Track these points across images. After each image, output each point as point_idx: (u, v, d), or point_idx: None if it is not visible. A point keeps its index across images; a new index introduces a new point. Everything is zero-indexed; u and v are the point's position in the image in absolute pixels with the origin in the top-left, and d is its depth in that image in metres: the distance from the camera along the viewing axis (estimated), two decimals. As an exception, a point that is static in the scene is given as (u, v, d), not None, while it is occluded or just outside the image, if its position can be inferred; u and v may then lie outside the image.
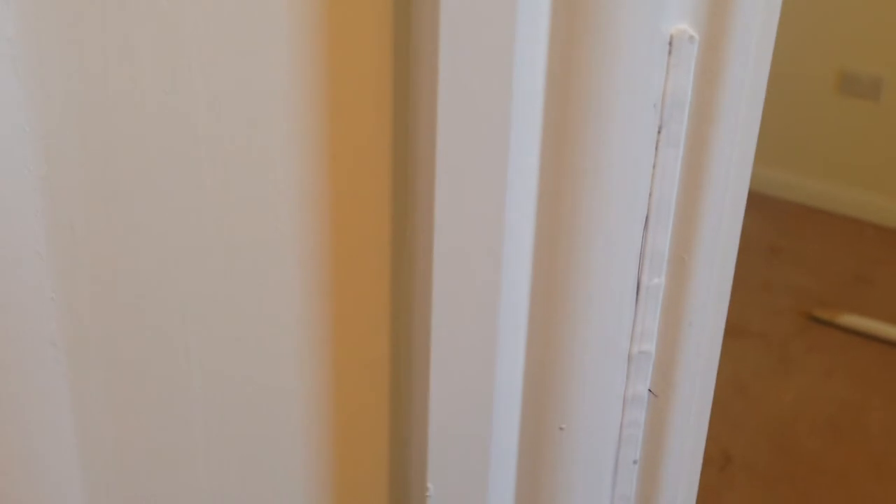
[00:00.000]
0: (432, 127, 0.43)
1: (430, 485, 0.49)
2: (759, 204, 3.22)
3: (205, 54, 0.42)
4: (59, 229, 0.45)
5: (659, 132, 0.46)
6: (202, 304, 0.48)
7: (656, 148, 0.46)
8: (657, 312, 0.50)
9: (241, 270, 0.47)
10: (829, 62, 3.08)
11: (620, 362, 0.50)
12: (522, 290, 0.48)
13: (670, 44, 0.44)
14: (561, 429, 0.49)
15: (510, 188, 0.44)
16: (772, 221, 3.12)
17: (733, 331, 2.56)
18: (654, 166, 0.46)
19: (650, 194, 0.47)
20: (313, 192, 0.46)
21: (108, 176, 0.45)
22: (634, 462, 0.52)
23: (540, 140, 0.45)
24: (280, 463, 0.52)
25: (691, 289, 0.49)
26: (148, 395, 0.50)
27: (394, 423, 0.51)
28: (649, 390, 0.51)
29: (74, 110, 0.43)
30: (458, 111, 0.42)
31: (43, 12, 0.41)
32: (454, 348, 0.47)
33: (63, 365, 0.48)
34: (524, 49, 0.42)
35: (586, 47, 0.43)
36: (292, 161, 0.45)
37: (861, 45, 3.01)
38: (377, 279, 0.49)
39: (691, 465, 0.53)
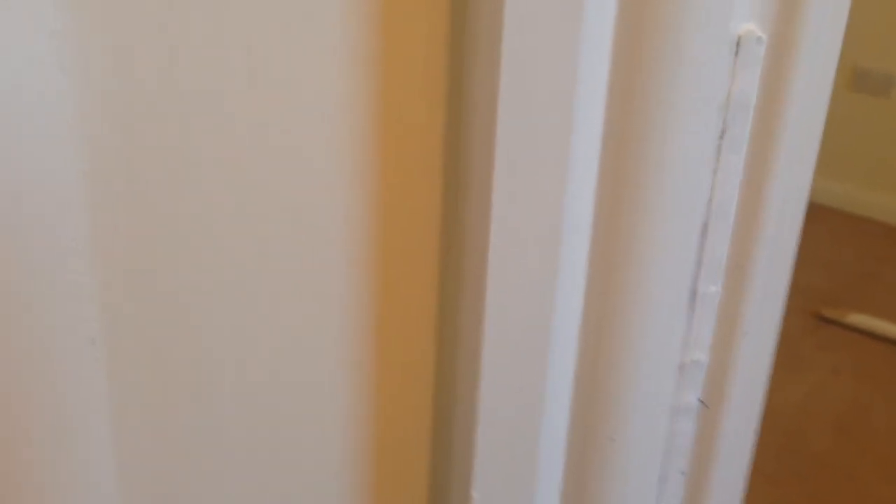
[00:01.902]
0: (491, 126, 0.41)
1: (474, 493, 0.47)
2: (769, 201, 3.21)
3: (255, 54, 0.41)
4: (101, 226, 0.43)
5: (722, 136, 0.44)
6: (244, 304, 0.46)
7: (718, 152, 0.44)
8: (712, 321, 0.48)
9: (286, 270, 0.46)
10: (841, 59, 3.06)
11: (671, 371, 0.48)
12: (576, 296, 0.46)
13: (738, 44, 0.43)
14: (612, 440, 0.47)
15: (569, 191, 0.43)
16: (781, 219, 3.11)
17: (741, 328, 2.55)
18: (715, 171, 0.45)
19: (710, 200, 0.45)
20: (362, 190, 0.45)
21: (152, 174, 0.43)
22: (682, 473, 0.51)
23: (601, 141, 0.43)
24: (318, 464, 0.51)
25: (748, 297, 0.47)
26: (185, 394, 0.48)
27: (436, 429, 0.50)
28: (700, 400, 0.50)
29: (120, 108, 0.41)
30: (519, 109, 0.41)
31: (90, 5, 0.39)
32: (505, 355, 0.46)
33: (102, 363, 0.46)
34: (589, 46, 0.40)
35: (652, 46, 0.41)
36: (341, 161, 0.43)
37: (873, 43, 2.99)
38: (425, 282, 0.47)
39: (738, 476, 0.52)
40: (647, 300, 0.46)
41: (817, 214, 3.16)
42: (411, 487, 0.52)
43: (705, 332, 0.48)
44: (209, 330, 0.47)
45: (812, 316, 2.64)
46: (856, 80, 3.06)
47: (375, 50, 0.42)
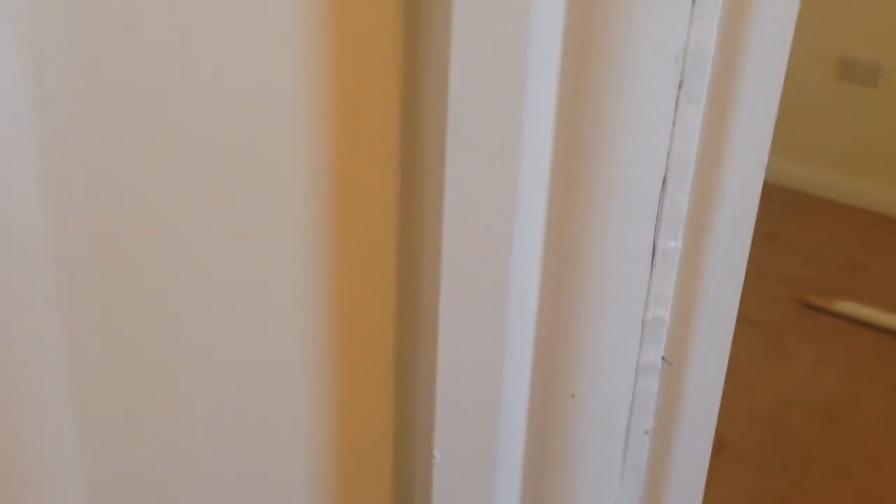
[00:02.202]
0: (443, 84, 0.41)
1: (436, 452, 0.47)
2: (756, 190, 3.21)
3: (210, 51, 0.41)
4: (58, 190, 0.43)
5: (679, 87, 0.44)
6: (202, 278, 0.46)
7: (676, 104, 0.44)
8: (673, 277, 0.48)
9: (245, 247, 0.46)
10: (828, 48, 3.06)
11: (634, 328, 0.48)
12: (534, 252, 0.46)
13: (694, -6, 0.42)
14: (573, 396, 0.47)
15: (525, 142, 0.43)
16: (768, 208, 3.09)
17: (729, 317, 2.56)
18: (673, 123, 0.45)
19: (668, 153, 0.45)
20: (318, 181, 0.44)
21: (110, 143, 0.43)
22: (646, 432, 0.51)
23: (556, 92, 0.43)
24: (282, 430, 0.51)
25: (709, 253, 0.47)
26: (145, 360, 0.48)
27: (399, 390, 0.50)
28: (663, 358, 0.50)
29: (75, 85, 0.41)
30: (474, 59, 0.41)
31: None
32: (463, 313, 0.45)
33: (58, 324, 0.46)
34: (542, 3, 0.40)
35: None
36: (298, 154, 0.43)
37: (860, 32, 3.00)
38: (382, 242, 0.47)
39: (704, 435, 0.52)
40: (607, 255, 0.46)
41: (805, 203, 3.16)
42: (376, 448, 0.52)
43: (666, 289, 0.48)
44: (166, 296, 0.47)
45: (800, 304, 2.64)
46: (843, 69, 3.07)
47: (330, 46, 0.42)
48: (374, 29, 0.42)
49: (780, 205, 3.16)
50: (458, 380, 0.46)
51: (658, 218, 0.46)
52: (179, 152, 0.43)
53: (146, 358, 0.48)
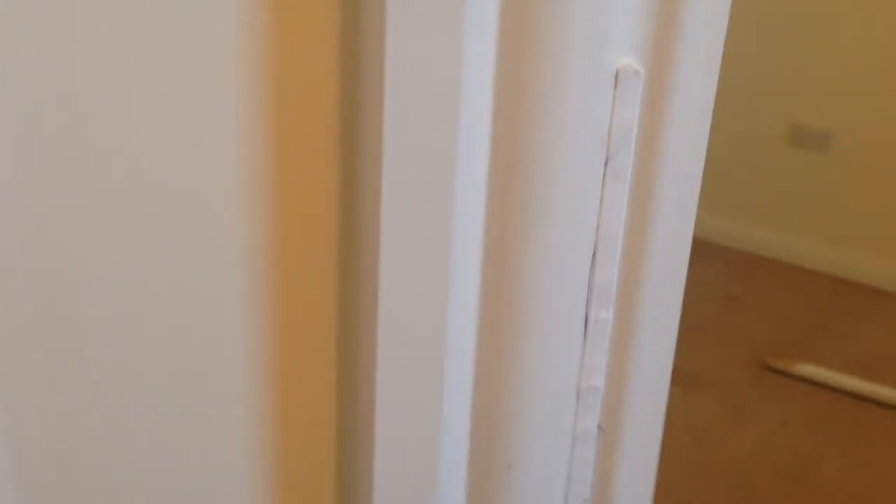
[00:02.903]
0: (378, 159, 0.42)
1: (374, 526, 0.48)
2: (714, 254, 3.25)
3: (150, 56, 0.42)
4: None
5: (606, 165, 0.46)
6: (136, 298, 0.47)
7: (603, 181, 0.46)
8: (605, 347, 0.49)
9: (183, 273, 0.46)
10: (779, 116, 3.14)
11: (569, 398, 0.49)
12: (469, 324, 0.47)
13: (616, 77, 0.45)
14: (509, 467, 0.48)
15: (456, 223, 0.44)
16: (726, 271, 3.15)
17: (689, 380, 2.56)
18: (601, 199, 0.46)
19: (597, 227, 0.47)
20: (256, 197, 0.45)
21: (36, 167, 0.43)
22: (585, 500, 0.52)
23: (487, 171, 0.45)
24: (223, 472, 0.51)
25: (639, 323, 0.49)
26: (82, 389, 0.48)
27: (339, 462, 0.50)
28: (598, 426, 0.51)
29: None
30: (405, 142, 0.42)
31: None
32: (400, 384, 0.46)
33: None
34: (471, 80, 0.42)
35: (533, 80, 0.43)
36: (235, 165, 0.44)
37: (810, 100, 3.07)
38: (323, 323, 0.48)
39: (642, 500, 0.53)
40: (541, 327, 0.47)
41: (763, 266, 3.21)
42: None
43: (600, 358, 0.49)
44: (96, 322, 0.47)
45: (759, 366, 2.66)
46: (794, 135, 3.13)
47: (269, 51, 0.43)
48: (314, 41, 0.44)
49: (738, 268, 3.21)
50: (395, 451, 0.47)
51: (589, 290, 0.48)
52: (107, 176, 0.44)
53: (81, 386, 0.48)
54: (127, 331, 0.46)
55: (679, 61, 0.45)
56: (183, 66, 0.43)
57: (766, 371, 2.63)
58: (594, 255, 0.47)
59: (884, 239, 3.06)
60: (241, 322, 0.47)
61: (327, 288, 0.48)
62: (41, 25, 0.41)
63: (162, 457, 0.50)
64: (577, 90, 0.43)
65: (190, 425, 0.49)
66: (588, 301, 0.48)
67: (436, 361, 0.46)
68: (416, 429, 0.47)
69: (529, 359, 0.47)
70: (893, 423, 2.46)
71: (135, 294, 0.46)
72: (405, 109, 0.41)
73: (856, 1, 2.93)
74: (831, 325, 2.86)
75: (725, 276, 3.12)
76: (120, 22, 0.41)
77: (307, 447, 0.51)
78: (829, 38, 3.00)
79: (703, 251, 3.31)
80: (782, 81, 3.12)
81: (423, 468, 0.47)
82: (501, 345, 0.47)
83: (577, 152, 0.45)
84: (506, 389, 0.48)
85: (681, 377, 2.76)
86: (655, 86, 0.45)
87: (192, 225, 0.45)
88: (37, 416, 0.47)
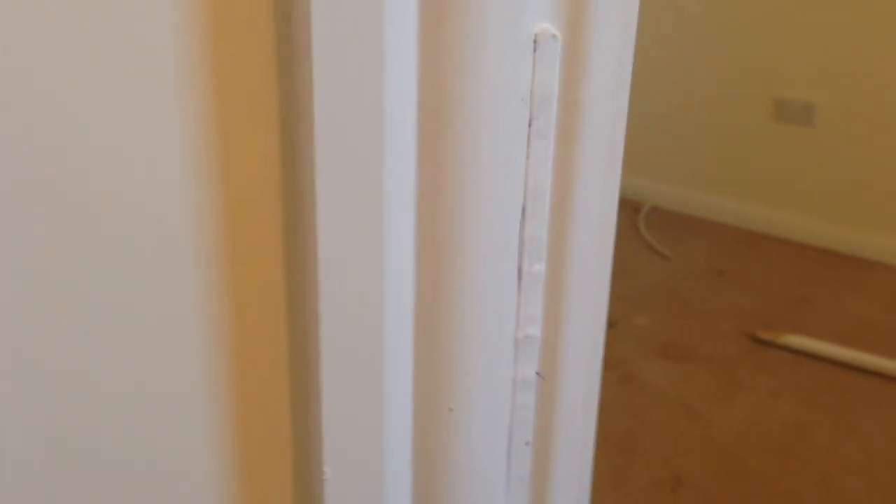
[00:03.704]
0: (311, 134, 0.45)
1: (326, 468, 0.51)
2: (702, 229, 3.27)
3: (90, 56, 0.45)
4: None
5: (530, 125, 0.49)
6: (94, 297, 0.50)
7: (528, 140, 0.49)
8: (540, 297, 0.52)
9: (135, 270, 0.49)
10: (763, 90, 3.15)
11: (507, 346, 0.53)
12: (407, 279, 0.50)
13: (535, 42, 0.48)
14: (450, 409, 0.51)
15: (388, 184, 0.47)
16: (715, 246, 3.17)
17: (679, 353, 2.59)
18: (527, 157, 0.49)
19: (525, 184, 0.50)
20: (205, 189, 0.48)
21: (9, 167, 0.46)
22: (527, 443, 0.55)
23: (416, 137, 0.48)
24: (185, 457, 0.54)
25: (570, 273, 0.52)
26: (44, 383, 0.51)
27: (295, 413, 0.53)
28: (537, 373, 0.54)
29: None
30: (335, 114, 0.45)
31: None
32: (343, 335, 0.49)
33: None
34: (395, 46, 0.45)
35: (454, 48, 0.46)
36: (183, 160, 0.47)
37: (794, 74, 3.09)
38: (272, 282, 0.51)
39: (583, 444, 0.56)
40: (477, 280, 0.50)
41: (750, 241, 3.23)
42: (277, 468, 0.55)
43: (535, 309, 0.52)
44: (59, 323, 0.50)
45: (749, 339, 2.68)
46: (778, 109, 3.14)
47: (207, 43, 0.46)
48: (249, 32, 0.47)
49: (726, 243, 3.22)
50: (342, 398, 0.50)
51: (521, 243, 0.51)
52: (61, 171, 0.47)
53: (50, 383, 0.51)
54: (75, 295, 0.50)
55: (594, 24, 0.48)
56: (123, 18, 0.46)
57: (755, 343, 2.65)
58: (524, 210, 0.51)
59: (869, 210, 3.08)
60: (193, 281, 0.50)
61: (273, 256, 0.51)
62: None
63: (122, 428, 0.53)
64: (497, 55, 0.47)
65: (147, 393, 0.52)
66: (520, 254, 0.51)
67: (376, 312, 0.49)
68: (360, 377, 0.50)
69: (467, 309, 0.51)
70: (881, 390, 2.48)
71: (83, 255, 0.49)
72: (333, 76, 0.44)
73: (835, -27, 2.94)
74: (818, 297, 2.88)
75: (713, 251, 3.14)
76: None
77: (262, 406, 0.54)
78: (811, 12, 3.01)
79: (690, 226, 3.33)
80: (765, 56, 3.13)
81: (369, 412, 0.50)
82: (439, 296, 0.50)
83: (501, 114, 0.48)
84: (445, 338, 0.51)
85: (670, 351, 2.77)
86: (572, 49, 0.48)
87: (140, 191, 0.48)
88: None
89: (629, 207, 3.33)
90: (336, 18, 0.43)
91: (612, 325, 2.67)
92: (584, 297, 0.53)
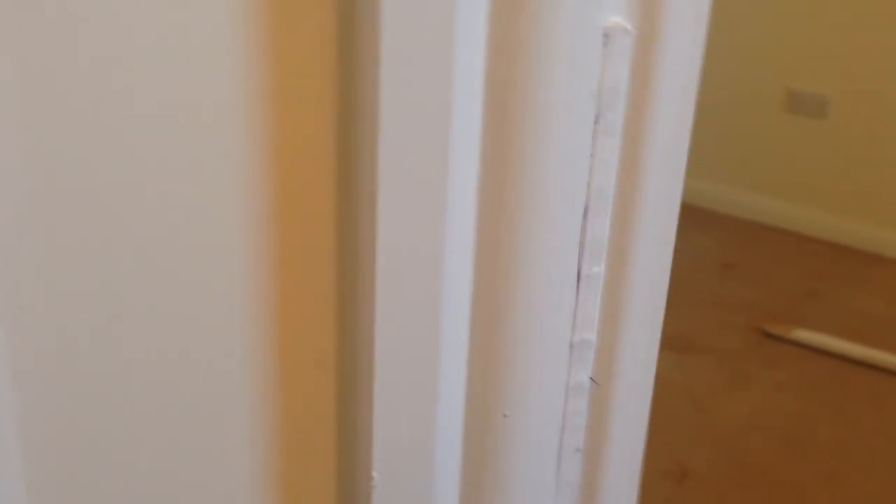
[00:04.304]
0: (374, 125, 0.44)
1: (374, 473, 0.49)
2: (712, 221, 3.26)
3: (148, 66, 0.43)
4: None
5: (596, 122, 0.47)
6: (147, 293, 0.48)
7: (594, 137, 0.47)
8: (598, 301, 0.51)
9: (189, 266, 0.48)
10: (776, 82, 3.14)
11: (562, 350, 0.51)
12: (465, 279, 0.48)
13: (606, 36, 0.46)
14: (505, 416, 0.50)
15: (452, 180, 0.45)
16: (724, 238, 3.17)
17: (687, 346, 2.58)
18: (592, 156, 0.48)
19: (589, 184, 0.48)
20: (258, 185, 0.47)
21: (50, 158, 0.45)
22: (577, 450, 0.53)
23: (481, 131, 0.46)
24: (227, 460, 0.53)
25: (630, 277, 0.50)
26: (89, 369, 0.50)
27: (340, 414, 0.52)
28: (591, 378, 0.52)
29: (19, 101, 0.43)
30: (401, 107, 0.43)
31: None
32: (398, 338, 0.48)
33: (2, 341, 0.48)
34: (464, 44, 0.43)
35: (524, 38, 0.44)
36: (237, 160, 0.46)
37: (807, 66, 3.07)
38: (323, 278, 0.50)
39: (633, 453, 0.55)
40: (535, 282, 0.49)
41: (760, 233, 3.22)
42: (319, 471, 0.54)
43: (592, 312, 0.51)
44: (112, 317, 0.49)
45: (756, 332, 2.68)
46: (791, 102, 3.12)
47: (266, 57, 0.44)
48: (310, 49, 0.45)
49: (735, 235, 3.22)
50: (394, 401, 0.49)
51: (581, 245, 0.49)
52: (119, 165, 0.46)
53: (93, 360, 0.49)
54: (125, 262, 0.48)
55: (667, 19, 0.46)
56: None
57: (764, 337, 2.65)
58: (586, 210, 0.49)
59: (880, 205, 3.07)
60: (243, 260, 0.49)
61: (327, 252, 0.49)
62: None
63: (163, 406, 0.51)
64: (567, 49, 0.45)
65: (192, 369, 0.51)
66: (580, 256, 0.49)
67: (433, 313, 0.47)
68: (414, 379, 0.48)
69: (523, 311, 0.49)
70: (889, 387, 2.49)
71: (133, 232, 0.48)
72: (400, 68, 0.43)
73: (852, -35, 2.93)
74: (828, 291, 2.88)
75: (723, 243, 3.14)
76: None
77: (305, 408, 0.52)
78: (826, 4, 2.99)
79: (700, 218, 3.32)
80: (779, 48, 3.11)
81: (421, 416, 0.49)
82: (496, 297, 0.49)
83: (568, 109, 0.46)
84: (500, 340, 0.49)
85: (678, 343, 2.76)
86: (644, 44, 0.46)
87: (192, 162, 0.47)
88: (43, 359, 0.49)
89: None
90: (406, 10, 0.41)
91: None
92: (643, 302, 0.51)
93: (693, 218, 3.30)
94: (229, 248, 0.48)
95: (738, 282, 2.91)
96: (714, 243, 3.13)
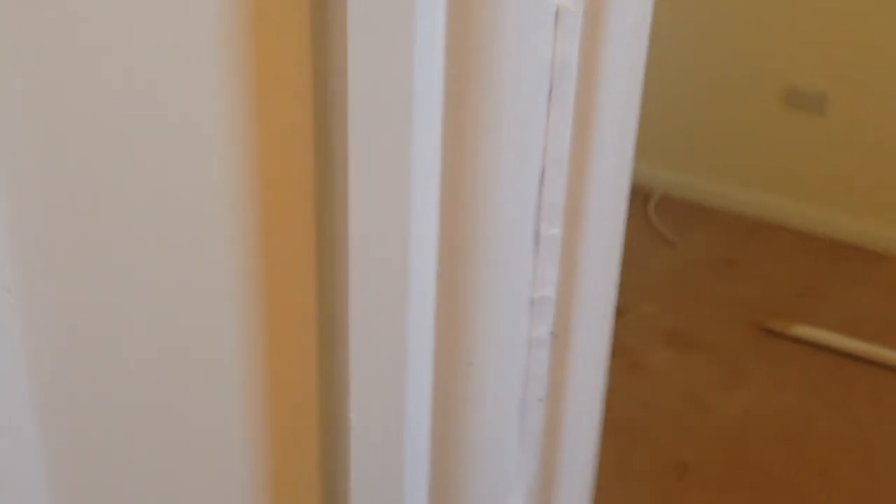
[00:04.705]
0: (343, 104, 0.48)
1: (351, 416, 0.54)
2: (711, 217, 3.28)
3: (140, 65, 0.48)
4: (12, 192, 0.50)
5: (550, 94, 0.52)
6: (142, 268, 0.53)
7: (548, 109, 0.52)
8: (555, 260, 0.55)
9: (177, 243, 0.53)
10: (775, 78, 3.14)
11: (523, 306, 0.55)
12: (431, 241, 0.53)
13: (556, 14, 0.50)
14: (469, 364, 0.54)
15: (416, 151, 0.50)
16: (723, 235, 3.18)
17: (687, 342, 2.59)
18: (546, 125, 0.52)
19: (544, 151, 0.53)
20: (242, 168, 0.52)
21: (55, 147, 0.50)
22: (540, 399, 0.58)
23: (442, 105, 0.50)
24: (216, 410, 0.57)
25: (584, 237, 0.55)
26: (93, 341, 0.55)
27: (320, 365, 0.57)
28: (551, 332, 0.57)
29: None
30: (367, 86, 0.48)
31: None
32: (370, 294, 0.53)
33: (17, 309, 0.53)
34: (425, 24, 0.48)
35: (480, 18, 0.49)
36: (223, 147, 0.51)
37: (806, 62, 3.07)
38: (302, 245, 0.54)
39: (593, 402, 0.59)
40: (496, 242, 0.53)
41: (759, 230, 3.22)
42: (304, 418, 0.58)
43: (550, 271, 0.55)
44: (111, 293, 0.54)
45: (756, 328, 2.68)
46: (790, 97, 3.12)
47: (247, 58, 0.49)
48: (289, 46, 0.50)
49: (735, 232, 3.22)
50: (367, 352, 0.53)
51: (538, 208, 0.54)
52: (114, 154, 0.51)
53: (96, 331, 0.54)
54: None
55: (610, 2, 0.50)
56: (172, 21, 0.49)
57: (764, 333, 2.65)
58: (542, 176, 0.53)
59: (880, 201, 3.07)
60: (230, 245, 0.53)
61: (304, 221, 0.54)
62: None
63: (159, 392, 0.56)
64: (520, 27, 0.49)
65: (184, 356, 0.56)
66: (538, 218, 0.54)
67: (401, 272, 0.52)
68: (385, 332, 0.53)
69: (486, 270, 0.54)
70: (888, 383, 2.47)
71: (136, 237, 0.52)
72: (366, 45, 0.47)
73: (851, -37, 2.91)
74: (828, 288, 2.87)
75: (722, 240, 3.15)
76: None
77: (291, 358, 0.57)
78: (826, 1, 3.00)
79: (700, 214, 3.33)
80: (777, 43, 3.11)
81: (392, 365, 0.53)
82: (460, 258, 0.53)
83: (522, 83, 0.51)
84: (465, 296, 0.54)
85: (678, 339, 2.77)
86: (592, 22, 0.51)
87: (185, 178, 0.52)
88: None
89: (639, 195, 3.34)
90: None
91: (619, 312, 2.66)
92: (597, 260, 0.56)
93: (693, 214, 3.32)
94: (221, 230, 0.53)
95: (738, 278, 2.90)
96: (713, 240, 3.14)
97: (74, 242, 0.52)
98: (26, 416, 0.54)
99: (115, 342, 0.55)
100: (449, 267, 0.54)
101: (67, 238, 0.52)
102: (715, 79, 3.26)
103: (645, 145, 3.81)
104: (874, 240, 3.10)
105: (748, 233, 3.21)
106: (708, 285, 2.85)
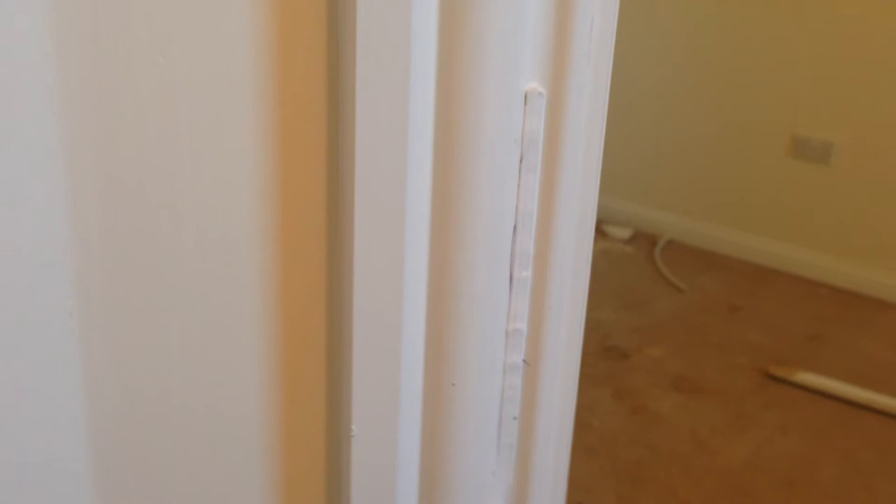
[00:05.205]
0: (351, 176, 0.59)
1: (354, 427, 0.64)
2: (717, 264, 3.32)
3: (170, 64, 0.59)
4: (78, 225, 0.61)
5: (521, 161, 0.63)
6: (183, 290, 0.64)
7: (519, 173, 0.63)
8: (527, 298, 0.66)
9: (209, 261, 0.63)
10: (782, 128, 3.18)
11: (499, 337, 0.66)
12: (421, 281, 0.64)
13: (525, 97, 0.61)
14: (452, 385, 0.64)
15: (409, 207, 0.61)
16: (730, 281, 3.20)
17: (692, 387, 2.58)
18: (518, 187, 0.63)
19: (517, 208, 0.64)
20: (262, 171, 0.62)
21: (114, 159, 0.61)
22: (514, 418, 0.68)
23: (431, 168, 0.61)
24: (240, 412, 0.68)
25: (551, 279, 0.65)
26: (147, 359, 0.65)
27: (329, 383, 0.67)
28: (524, 360, 0.67)
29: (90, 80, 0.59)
30: (372, 152, 0.59)
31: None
32: (370, 324, 0.63)
33: (76, 333, 0.63)
34: (418, 107, 0.59)
35: (462, 99, 0.60)
36: (244, 163, 0.62)
37: (812, 112, 3.12)
38: (314, 279, 0.65)
39: (561, 421, 0.69)
40: (476, 283, 0.64)
41: (765, 277, 3.24)
42: (313, 427, 0.69)
43: (522, 307, 0.66)
44: (159, 311, 0.64)
45: (761, 374, 2.68)
46: (796, 147, 3.16)
47: (268, 62, 0.60)
48: (305, 51, 0.61)
49: (741, 278, 3.23)
50: (368, 374, 0.64)
51: (512, 254, 0.64)
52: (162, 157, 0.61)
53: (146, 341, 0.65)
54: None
55: (570, 86, 0.61)
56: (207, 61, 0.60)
57: (768, 379, 2.63)
58: (515, 228, 0.64)
59: (884, 250, 3.09)
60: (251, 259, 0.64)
61: (318, 260, 0.65)
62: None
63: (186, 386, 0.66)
64: (496, 107, 0.60)
65: (216, 385, 0.66)
66: (511, 263, 0.65)
67: (396, 306, 0.63)
68: (383, 358, 0.64)
69: (467, 306, 0.64)
70: (892, 430, 2.47)
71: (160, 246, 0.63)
72: (370, 126, 0.59)
73: (856, 13, 2.96)
74: (832, 335, 2.89)
75: (728, 286, 3.18)
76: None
77: (302, 377, 0.67)
78: (830, 50, 3.04)
79: (707, 261, 3.34)
80: (785, 94, 3.15)
81: (389, 383, 0.64)
82: (446, 296, 0.64)
83: (498, 152, 0.62)
84: (449, 328, 0.64)
85: (683, 384, 2.74)
86: (554, 103, 0.62)
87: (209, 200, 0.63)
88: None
89: (646, 240, 3.37)
90: (372, 72, 0.57)
91: (626, 355, 2.68)
92: (563, 298, 0.66)
93: (700, 260, 3.33)
94: (240, 251, 0.63)
95: (744, 324, 2.92)
96: (720, 286, 3.16)
97: (130, 267, 0.63)
98: (80, 438, 0.64)
99: (160, 365, 0.65)
100: (437, 303, 0.64)
101: (125, 262, 0.63)
102: (723, 128, 3.28)
103: (653, 191, 3.82)
104: (879, 288, 3.12)
105: (754, 279, 3.23)
106: (714, 330, 2.86)
